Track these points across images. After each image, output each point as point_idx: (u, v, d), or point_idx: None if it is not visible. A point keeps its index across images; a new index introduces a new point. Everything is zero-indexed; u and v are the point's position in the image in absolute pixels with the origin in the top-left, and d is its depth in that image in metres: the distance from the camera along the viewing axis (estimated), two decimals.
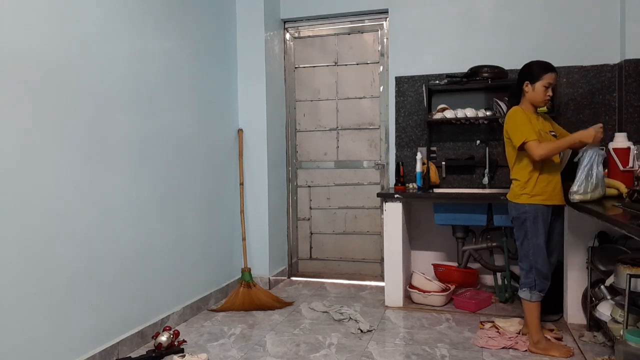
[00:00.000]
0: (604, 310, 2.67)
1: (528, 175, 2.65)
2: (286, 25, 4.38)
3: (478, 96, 3.84)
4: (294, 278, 4.46)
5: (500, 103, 3.61)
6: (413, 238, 3.99)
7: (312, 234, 4.45)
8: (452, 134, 3.93)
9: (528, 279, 2.68)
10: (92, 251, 2.49)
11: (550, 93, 2.64)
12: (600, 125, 2.52)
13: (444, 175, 3.91)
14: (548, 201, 2.65)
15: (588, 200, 2.57)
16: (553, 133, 2.74)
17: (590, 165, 2.54)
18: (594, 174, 2.53)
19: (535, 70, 2.66)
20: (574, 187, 2.59)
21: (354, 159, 4.31)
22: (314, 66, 4.36)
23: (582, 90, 3.61)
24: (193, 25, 3.42)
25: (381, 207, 3.99)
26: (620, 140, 2.97)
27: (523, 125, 2.60)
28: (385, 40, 4.16)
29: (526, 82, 2.67)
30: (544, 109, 2.91)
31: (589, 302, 2.88)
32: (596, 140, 2.51)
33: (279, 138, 4.29)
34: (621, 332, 2.30)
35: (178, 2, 3.23)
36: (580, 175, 2.58)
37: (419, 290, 3.57)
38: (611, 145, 2.99)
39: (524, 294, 2.69)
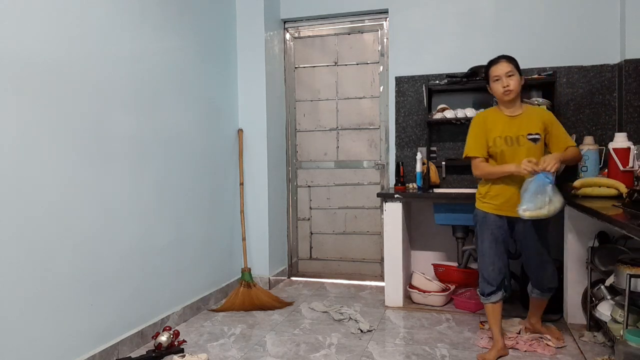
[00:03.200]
0: (604, 310, 2.67)
1: (484, 182, 2.68)
2: (286, 25, 4.38)
3: (478, 96, 3.84)
4: (294, 278, 4.46)
5: None
6: (413, 238, 3.99)
7: (312, 234, 4.45)
8: (452, 134, 3.93)
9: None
10: (92, 251, 2.49)
11: (505, 84, 2.51)
12: (529, 160, 2.37)
13: (444, 175, 3.91)
14: (498, 211, 2.60)
15: (543, 215, 2.39)
16: (533, 136, 2.52)
17: (536, 189, 2.36)
18: (540, 194, 2.35)
19: (485, 71, 2.67)
20: (523, 206, 2.40)
21: (354, 159, 4.31)
22: (314, 66, 4.36)
23: (582, 90, 3.61)
24: (193, 25, 3.42)
25: (381, 207, 3.99)
26: (620, 140, 2.97)
27: (471, 136, 2.64)
28: (385, 40, 4.16)
29: (487, 84, 2.66)
30: (543, 106, 2.80)
31: (589, 302, 2.88)
32: (523, 172, 2.39)
33: (279, 138, 4.29)
34: (621, 332, 2.30)
35: (178, 2, 3.23)
36: (527, 196, 2.39)
37: (419, 290, 3.57)
38: (611, 145, 2.99)
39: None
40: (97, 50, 2.53)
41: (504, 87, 2.52)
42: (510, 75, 2.52)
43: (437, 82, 3.84)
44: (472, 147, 2.60)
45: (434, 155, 3.96)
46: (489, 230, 2.61)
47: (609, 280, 2.58)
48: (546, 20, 3.68)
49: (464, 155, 2.64)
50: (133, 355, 2.72)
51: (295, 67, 4.41)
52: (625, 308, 2.29)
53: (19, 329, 2.08)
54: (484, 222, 2.63)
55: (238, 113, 4.05)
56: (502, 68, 2.53)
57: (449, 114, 3.73)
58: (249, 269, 3.81)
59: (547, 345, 2.73)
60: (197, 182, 3.45)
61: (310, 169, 4.42)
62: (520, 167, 2.40)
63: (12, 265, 2.06)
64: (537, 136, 2.54)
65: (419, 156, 3.65)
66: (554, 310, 3.17)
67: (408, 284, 3.67)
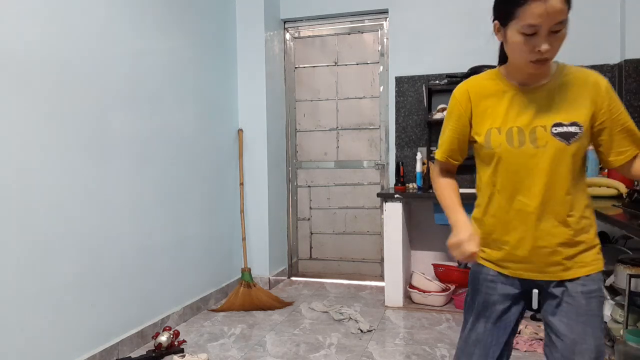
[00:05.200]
0: (604, 310, 2.67)
1: (480, 201, 1.44)
2: (286, 25, 4.38)
3: None
4: (294, 278, 4.46)
5: None
6: (413, 238, 3.99)
7: (312, 234, 4.45)
8: None
9: None
10: (92, 251, 2.49)
11: (544, 47, 1.21)
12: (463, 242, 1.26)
13: None
14: (502, 268, 1.39)
15: None
16: (565, 129, 1.27)
17: None
18: None
19: (502, 5, 1.27)
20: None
21: (354, 159, 4.31)
22: (314, 66, 4.36)
23: None
24: (193, 25, 3.42)
25: (381, 207, 3.99)
26: None
27: (446, 124, 1.46)
28: (385, 40, 4.16)
29: (495, 21, 1.32)
30: (595, 72, 1.35)
31: None
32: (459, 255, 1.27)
33: (279, 138, 4.29)
34: (621, 332, 2.30)
35: (178, 2, 3.23)
36: None
37: (419, 290, 3.57)
38: None
39: None
40: (97, 50, 2.53)
41: (540, 51, 1.22)
42: (556, 31, 1.21)
43: (437, 82, 3.84)
44: (440, 143, 1.48)
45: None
46: (482, 297, 1.41)
47: (609, 280, 2.58)
48: None
49: (438, 155, 1.50)
50: (133, 355, 2.72)
51: (295, 67, 4.41)
52: (625, 308, 2.29)
53: (19, 329, 2.08)
54: (476, 281, 1.44)
55: (238, 113, 4.05)
56: (551, 10, 1.16)
57: None
58: (249, 269, 3.81)
59: None
60: (197, 182, 3.45)
61: (310, 169, 4.42)
62: (462, 236, 1.27)
63: (12, 265, 2.06)
64: (574, 129, 1.28)
65: (419, 156, 3.65)
66: None
67: (408, 284, 3.67)
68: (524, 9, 1.19)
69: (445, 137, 1.45)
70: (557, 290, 1.33)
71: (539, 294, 1.38)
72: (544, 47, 1.22)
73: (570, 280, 1.32)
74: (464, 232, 1.28)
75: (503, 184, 1.34)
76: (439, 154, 1.48)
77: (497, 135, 1.33)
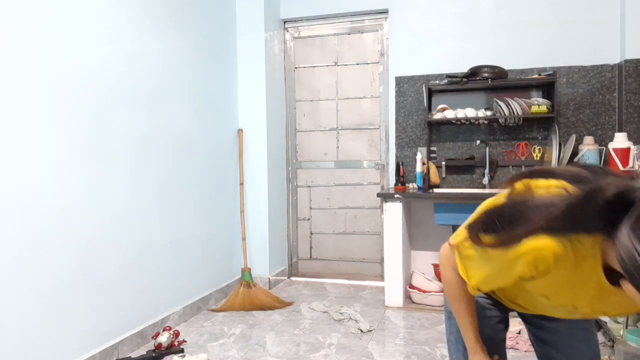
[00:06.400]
0: None
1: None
2: (286, 25, 4.38)
3: (478, 96, 3.84)
4: (294, 278, 4.46)
5: (501, 103, 3.62)
6: (413, 238, 3.99)
7: (312, 234, 4.45)
8: (452, 134, 3.93)
9: None
10: (92, 251, 2.49)
11: None
12: None
13: (444, 175, 3.91)
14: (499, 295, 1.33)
15: None
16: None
17: None
18: None
19: None
20: None
21: (354, 159, 4.31)
22: (314, 66, 4.36)
23: (582, 90, 3.61)
24: (193, 25, 3.42)
25: (381, 207, 3.99)
26: (620, 140, 2.98)
27: (501, 266, 1.03)
28: (385, 40, 4.16)
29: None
30: None
31: None
32: None
33: (279, 138, 4.29)
34: (621, 332, 2.30)
35: (178, 2, 3.23)
36: None
37: (419, 290, 3.57)
38: (611, 146, 2.99)
39: None
40: (97, 50, 2.53)
41: None
42: None
43: (437, 82, 3.84)
44: (482, 280, 1.13)
45: (434, 155, 3.96)
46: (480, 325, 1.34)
47: None
48: (546, 20, 3.68)
49: (465, 276, 1.17)
50: (133, 355, 2.72)
51: (295, 67, 4.41)
52: None
53: (19, 329, 2.08)
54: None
55: (238, 113, 4.05)
56: None
57: (449, 114, 3.73)
58: (249, 269, 3.81)
59: None
60: (197, 182, 3.45)
61: (310, 169, 4.42)
62: None
63: (12, 266, 2.05)
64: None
65: (419, 156, 3.65)
66: None
67: (408, 284, 3.67)
68: None
69: (495, 279, 1.10)
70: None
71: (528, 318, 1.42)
72: None
73: None
74: None
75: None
76: (476, 289, 1.18)
77: (545, 300, 1.09)
